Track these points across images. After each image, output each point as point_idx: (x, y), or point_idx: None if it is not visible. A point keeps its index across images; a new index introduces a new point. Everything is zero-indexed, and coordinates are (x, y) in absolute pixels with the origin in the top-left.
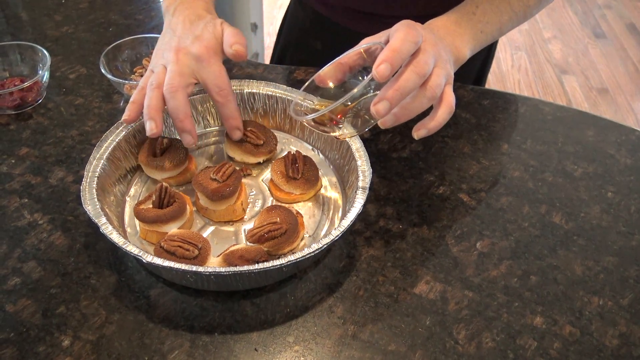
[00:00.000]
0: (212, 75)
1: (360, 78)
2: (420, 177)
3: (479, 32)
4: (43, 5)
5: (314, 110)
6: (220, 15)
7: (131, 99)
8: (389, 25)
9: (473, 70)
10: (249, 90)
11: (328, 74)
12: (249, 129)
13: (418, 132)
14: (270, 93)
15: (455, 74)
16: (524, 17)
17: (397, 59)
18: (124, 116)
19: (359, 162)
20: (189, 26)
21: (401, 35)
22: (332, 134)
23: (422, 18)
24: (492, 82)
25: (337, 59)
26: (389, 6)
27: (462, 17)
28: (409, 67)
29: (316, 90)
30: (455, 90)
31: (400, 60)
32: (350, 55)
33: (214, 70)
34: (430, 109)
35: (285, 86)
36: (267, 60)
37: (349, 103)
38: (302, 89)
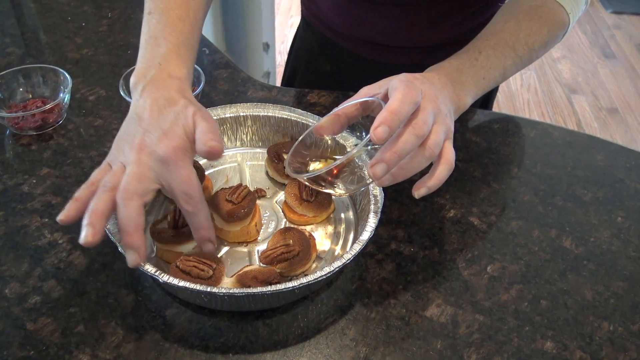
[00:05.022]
0: (179, 180)
1: (358, 128)
2: (431, 200)
3: (481, 79)
4: (64, 28)
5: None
6: (232, 36)
7: (75, 195)
8: (394, 54)
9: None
10: (265, 114)
11: (326, 125)
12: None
13: (418, 192)
14: (286, 117)
15: None
16: (529, 60)
17: (395, 121)
18: (60, 215)
19: (371, 186)
20: (156, 115)
21: (400, 95)
22: (326, 190)
23: (426, 50)
24: (502, 101)
25: (334, 110)
26: (394, 38)
27: (464, 63)
28: (408, 128)
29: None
30: (465, 113)
31: (398, 122)
32: (347, 107)
33: (182, 175)
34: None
35: (300, 110)
36: (278, 78)
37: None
38: (300, 138)
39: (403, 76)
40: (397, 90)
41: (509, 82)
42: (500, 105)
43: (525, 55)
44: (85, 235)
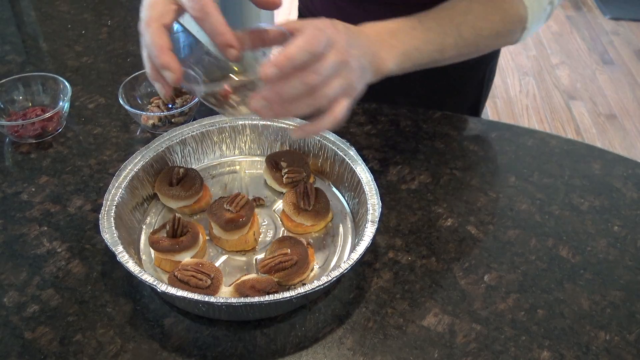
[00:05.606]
0: None
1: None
2: (428, 209)
3: (414, 49)
4: (64, 36)
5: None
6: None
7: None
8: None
9: (467, 101)
10: (263, 122)
11: (238, 37)
12: (288, 165)
13: (295, 132)
14: (284, 126)
15: (449, 103)
16: (474, 45)
17: (287, 66)
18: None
19: (368, 195)
20: None
21: (300, 42)
22: (228, 110)
23: (419, 5)
24: (500, 107)
25: (251, 27)
26: None
27: (400, 29)
28: (298, 73)
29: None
30: (462, 122)
31: (290, 67)
32: (262, 28)
33: None
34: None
35: (298, 119)
36: None
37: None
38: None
39: (320, 22)
40: (301, 36)
41: (508, 88)
42: (499, 111)
43: (470, 38)
44: (168, 79)
